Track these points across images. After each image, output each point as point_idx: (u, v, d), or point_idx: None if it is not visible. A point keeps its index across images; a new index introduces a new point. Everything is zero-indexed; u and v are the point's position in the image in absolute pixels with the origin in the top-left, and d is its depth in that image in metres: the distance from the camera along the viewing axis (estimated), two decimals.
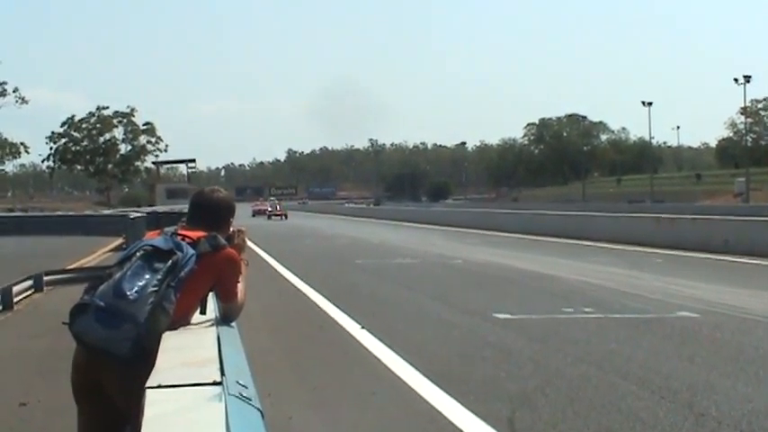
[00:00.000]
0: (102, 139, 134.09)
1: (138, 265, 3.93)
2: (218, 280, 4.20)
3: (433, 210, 78.82)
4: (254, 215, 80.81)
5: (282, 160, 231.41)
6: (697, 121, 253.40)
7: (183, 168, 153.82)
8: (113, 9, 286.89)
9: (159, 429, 2.45)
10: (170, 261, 3.96)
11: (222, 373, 2.89)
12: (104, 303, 3.79)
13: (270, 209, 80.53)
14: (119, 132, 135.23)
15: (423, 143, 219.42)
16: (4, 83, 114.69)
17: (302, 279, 18.20)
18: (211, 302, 4.33)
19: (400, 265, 22.59)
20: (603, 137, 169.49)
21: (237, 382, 2.90)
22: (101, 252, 26.65)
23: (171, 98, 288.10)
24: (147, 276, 3.89)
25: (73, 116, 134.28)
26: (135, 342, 3.72)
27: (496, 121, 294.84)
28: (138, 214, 40.75)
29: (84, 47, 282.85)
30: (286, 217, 73.51)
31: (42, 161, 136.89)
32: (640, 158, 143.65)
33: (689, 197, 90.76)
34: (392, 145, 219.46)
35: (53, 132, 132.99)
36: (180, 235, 4.19)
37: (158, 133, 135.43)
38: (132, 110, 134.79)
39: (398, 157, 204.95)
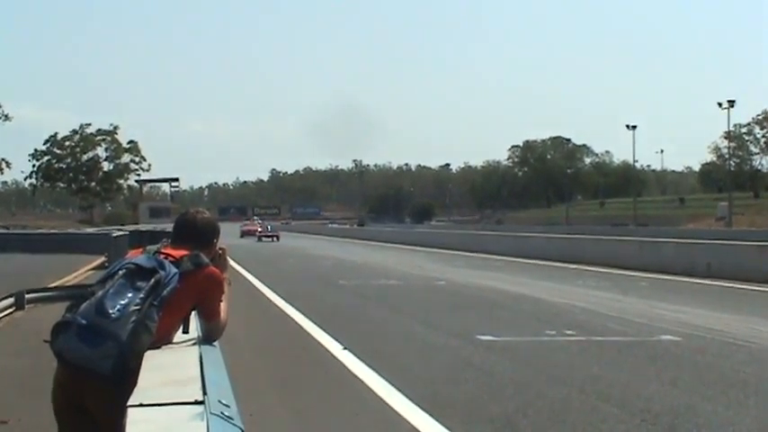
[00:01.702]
0: (85, 156, 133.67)
1: (120, 284, 3.92)
2: (201, 299, 4.19)
3: (416, 231, 78.82)
4: (242, 236, 76.70)
5: (266, 180, 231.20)
6: (681, 145, 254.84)
7: (166, 187, 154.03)
8: (98, 27, 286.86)
9: None
10: (153, 279, 3.95)
11: (204, 393, 2.88)
12: (86, 321, 3.77)
13: (260, 230, 75.56)
14: (102, 150, 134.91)
15: (407, 164, 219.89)
16: None
17: (285, 299, 18.16)
18: (194, 321, 4.32)
19: (384, 286, 22.57)
20: (587, 160, 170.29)
21: (220, 402, 2.89)
22: (83, 270, 26.50)
23: (155, 117, 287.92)
24: (130, 295, 3.87)
25: (56, 133, 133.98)
26: (117, 360, 3.70)
27: (481, 143, 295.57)
28: (121, 233, 40.62)
29: (68, 64, 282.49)
30: (278, 239, 69.40)
31: (25, 178, 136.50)
32: (624, 182, 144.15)
33: (672, 221, 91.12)
34: (376, 166, 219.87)
35: (36, 150, 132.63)
36: (163, 254, 4.19)
37: (142, 152, 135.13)
38: (115, 128, 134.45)
39: (382, 178, 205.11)
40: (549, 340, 12.47)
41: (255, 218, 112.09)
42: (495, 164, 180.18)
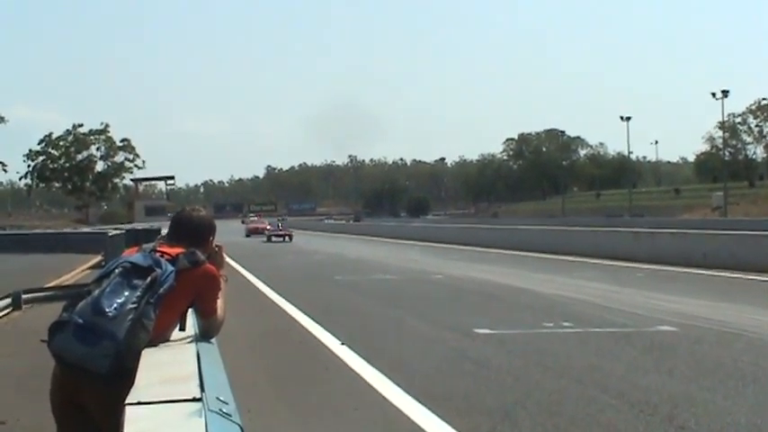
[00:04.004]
0: (79, 156, 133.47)
1: (116, 282, 3.91)
2: (198, 296, 4.19)
3: (412, 225, 78.78)
4: (248, 235, 69.22)
5: (261, 177, 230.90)
6: (675, 135, 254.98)
7: (161, 185, 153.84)
8: (91, 26, 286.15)
9: None
10: (149, 278, 3.95)
11: (202, 390, 2.89)
12: (83, 321, 3.77)
13: (270, 228, 64.51)
14: (96, 149, 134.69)
15: (402, 159, 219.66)
16: None
17: (282, 295, 18.16)
18: (191, 319, 4.32)
19: (380, 280, 22.59)
20: (582, 152, 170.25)
21: (217, 398, 2.89)
22: (80, 269, 26.50)
23: (149, 115, 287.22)
24: (126, 293, 3.87)
25: (50, 133, 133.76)
26: (114, 359, 3.70)
27: (476, 136, 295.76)
28: (117, 232, 40.59)
29: (61, 63, 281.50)
30: (291, 238, 58.48)
31: (20, 179, 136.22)
32: (619, 173, 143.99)
33: (668, 211, 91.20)
34: (371, 161, 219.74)
35: (30, 150, 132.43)
36: (159, 251, 4.19)
37: (135, 149, 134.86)
38: (106, 126, 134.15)
39: (378, 173, 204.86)
40: (547, 332, 12.48)
41: (251, 215, 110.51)
42: (490, 157, 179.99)
